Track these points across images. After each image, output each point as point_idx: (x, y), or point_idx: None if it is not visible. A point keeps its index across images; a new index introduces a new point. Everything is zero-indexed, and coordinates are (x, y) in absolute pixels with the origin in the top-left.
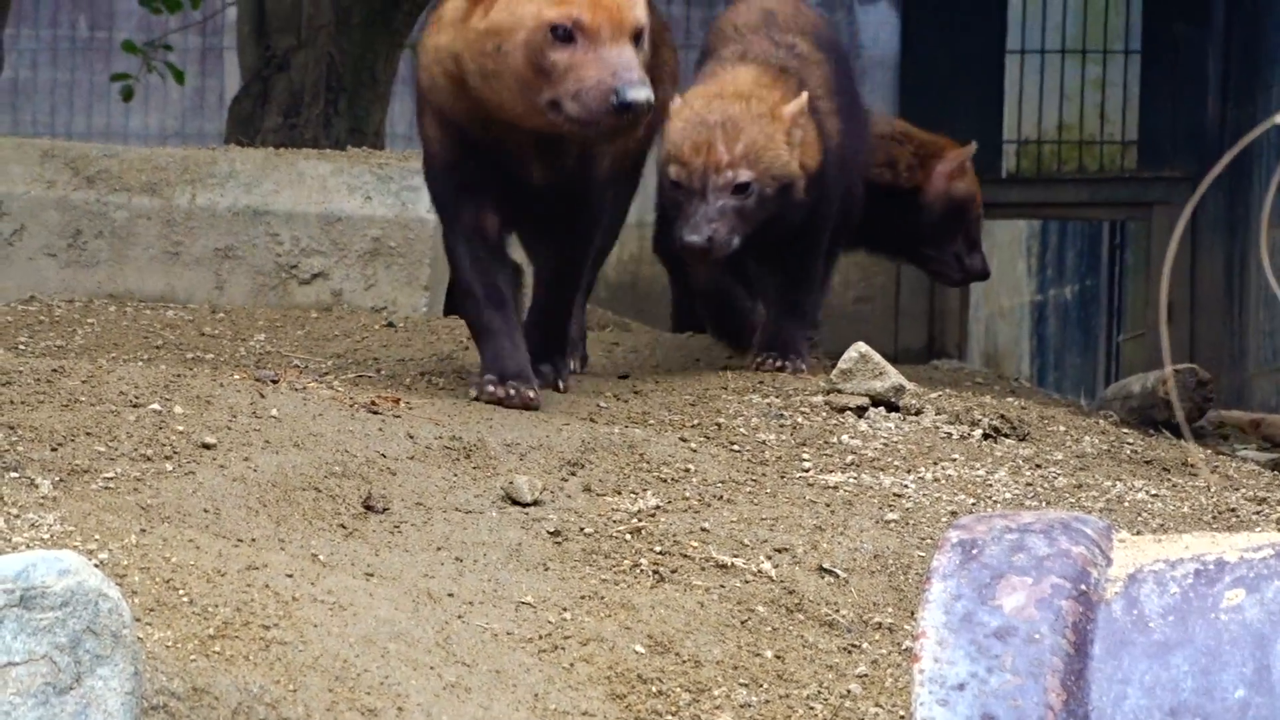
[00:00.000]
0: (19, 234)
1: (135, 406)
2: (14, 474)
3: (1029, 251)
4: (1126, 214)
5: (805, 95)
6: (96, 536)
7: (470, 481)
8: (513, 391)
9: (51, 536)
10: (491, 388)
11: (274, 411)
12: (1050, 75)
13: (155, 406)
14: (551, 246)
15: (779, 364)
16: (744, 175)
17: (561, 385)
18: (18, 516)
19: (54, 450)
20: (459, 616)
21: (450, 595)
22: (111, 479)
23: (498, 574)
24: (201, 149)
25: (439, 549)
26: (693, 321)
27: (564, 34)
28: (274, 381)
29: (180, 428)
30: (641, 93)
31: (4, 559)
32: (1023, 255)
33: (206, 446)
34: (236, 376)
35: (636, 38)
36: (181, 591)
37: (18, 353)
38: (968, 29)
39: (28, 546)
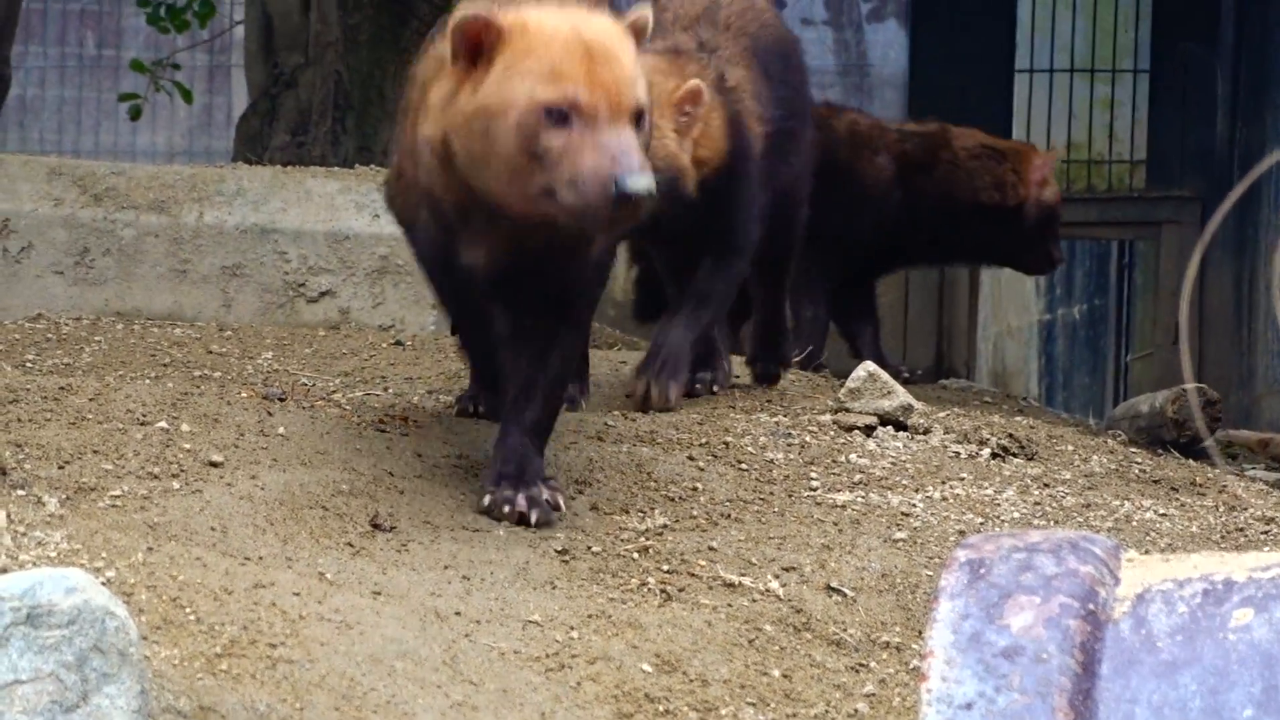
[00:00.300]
0: (26, 251)
1: (142, 424)
2: (21, 491)
3: None
4: (1135, 233)
5: (699, 83)
6: (103, 554)
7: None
8: (536, 513)
9: (58, 554)
10: (508, 506)
11: (281, 430)
12: (1059, 94)
13: (162, 424)
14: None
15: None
16: None
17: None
18: (24, 534)
19: (61, 468)
20: (466, 635)
21: (457, 614)
22: (118, 497)
23: (505, 592)
24: (209, 167)
25: (446, 567)
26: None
27: (559, 116)
28: (281, 399)
29: (187, 446)
30: (642, 181)
31: (11, 577)
32: None
33: (214, 464)
34: (244, 394)
35: (638, 119)
36: (188, 610)
37: (25, 370)
38: (976, 48)
39: (34, 564)
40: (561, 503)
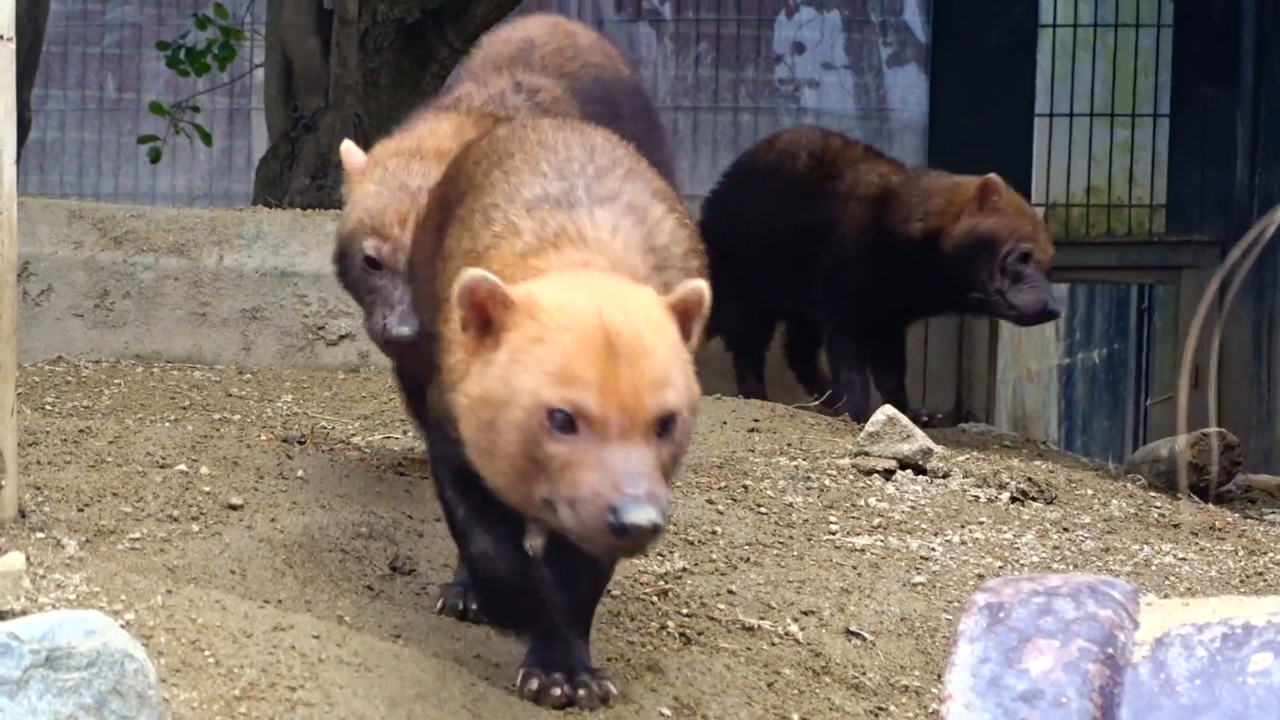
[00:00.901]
0: (46, 294)
1: (162, 467)
2: (40, 534)
3: None
4: (1155, 278)
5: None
6: (123, 597)
7: None
8: (582, 691)
9: (78, 597)
10: (558, 690)
11: (300, 472)
12: (1079, 139)
13: (182, 467)
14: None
15: None
16: None
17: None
18: (44, 577)
19: (80, 510)
20: (486, 678)
21: (477, 657)
22: (138, 539)
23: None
24: (229, 210)
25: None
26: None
27: (564, 422)
28: (301, 442)
29: (207, 488)
30: (644, 514)
31: (30, 619)
32: None
33: (233, 507)
34: (263, 437)
35: (664, 427)
36: (207, 652)
37: (45, 413)
38: (996, 92)
39: (54, 607)
40: (611, 690)
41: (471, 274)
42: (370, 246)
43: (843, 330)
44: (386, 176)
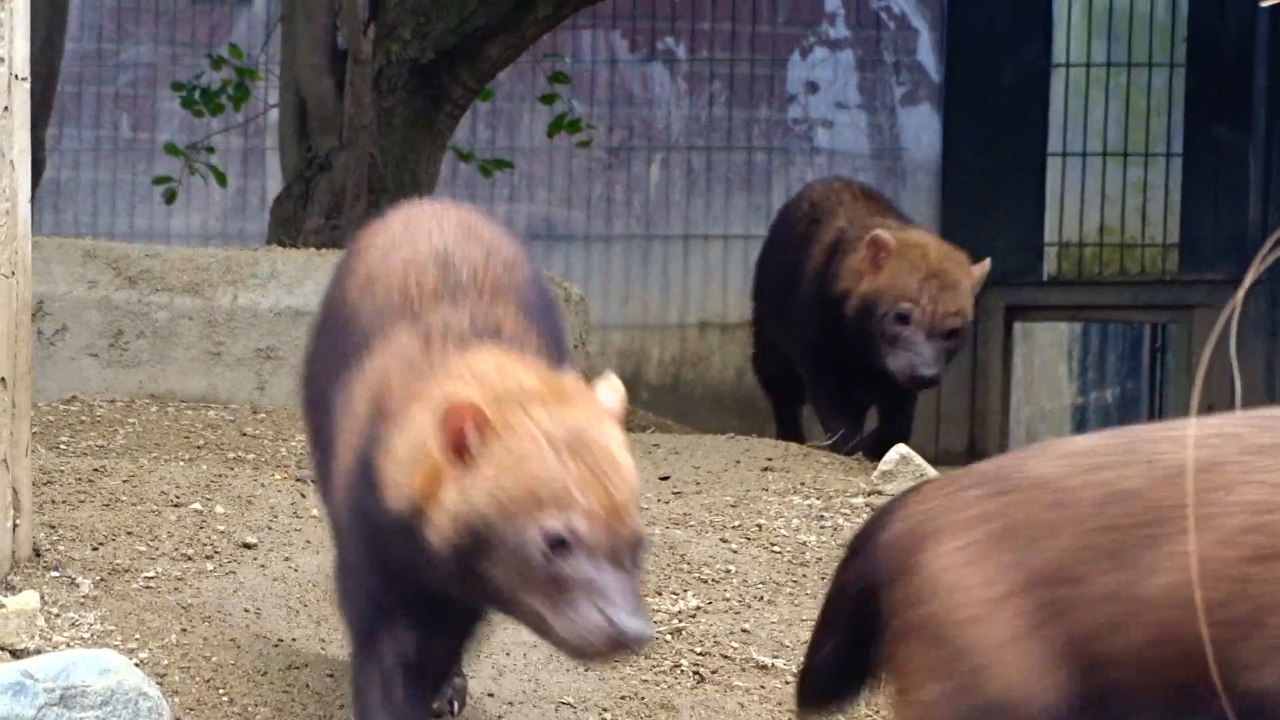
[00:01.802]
0: (61, 334)
1: (176, 506)
2: (55, 573)
3: (1070, 354)
4: (1168, 317)
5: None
6: (137, 635)
7: None
8: None
9: (92, 635)
10: None
11: (315, 511)
12: (1091, 178)
13: (196, 506)
14: None
15: None
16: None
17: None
18: (58, 615)
19: (95, 549)
20: (499, 717)
21: (490, 695)
22: (152, 578)
23: (538, 674)
24: (243, 249)
25: (479, 650)
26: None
27: None
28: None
29: (221, 527)
30: None
31: (44, 658)
32: (1064, 358)
33: (247, 546)
34: (277, 476)
35: None
36: (222, 691)
37: (59, 452)
38: (1009, 132)
39: (68, 645)
40: None
41: None
42: (559, 524)
43: (812, 382)
44: (536, 431)
